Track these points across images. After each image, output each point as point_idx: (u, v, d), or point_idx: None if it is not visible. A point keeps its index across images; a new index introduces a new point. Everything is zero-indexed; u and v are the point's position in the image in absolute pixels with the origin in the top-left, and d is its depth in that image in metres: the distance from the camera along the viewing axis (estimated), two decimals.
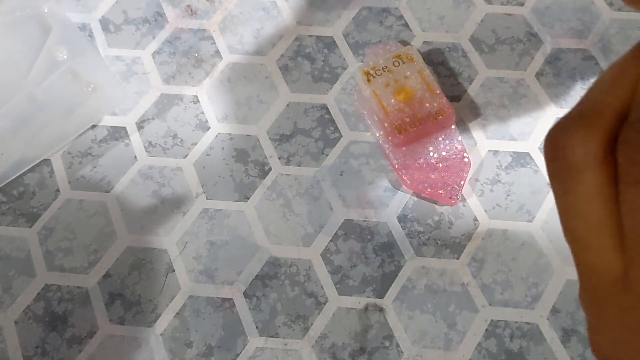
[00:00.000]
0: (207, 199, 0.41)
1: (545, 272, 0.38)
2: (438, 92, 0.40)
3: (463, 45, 0.45)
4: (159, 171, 0.42)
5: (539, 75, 0.44)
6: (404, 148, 0.40)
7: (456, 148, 0.40)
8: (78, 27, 0.47)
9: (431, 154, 0.40)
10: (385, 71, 0.41)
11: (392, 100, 0.40)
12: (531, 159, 0.41)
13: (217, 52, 0.46)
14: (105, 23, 0.47)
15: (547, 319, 0.37)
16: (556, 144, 0.14)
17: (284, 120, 0.43)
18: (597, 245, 0.14)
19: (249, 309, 0.38)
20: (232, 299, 0.38)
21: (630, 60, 0.14)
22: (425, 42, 0.46)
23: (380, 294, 0.38)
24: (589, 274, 0.15)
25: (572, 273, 0.38)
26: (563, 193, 0.14)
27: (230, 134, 0.43)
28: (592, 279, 0.15)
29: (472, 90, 0.44)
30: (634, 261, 0.13)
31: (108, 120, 0.44)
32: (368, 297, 0.38)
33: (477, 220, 0.40)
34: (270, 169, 0.42)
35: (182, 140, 0.43)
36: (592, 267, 0.14)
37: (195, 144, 0.43)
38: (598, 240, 0.14)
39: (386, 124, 0.40)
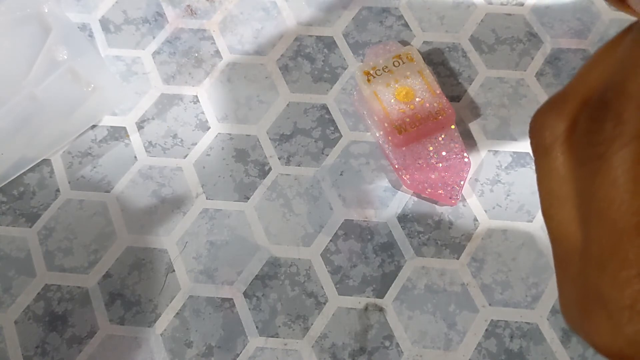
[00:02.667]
0: (207, 199, 0.41)
1: (545, 272, 0.38)
2: (438, 92, 0.40)
3: (463, 45, 0.45)
4: (159, 171, 0.42)
5: (539, 75, 0.44)
6: (404, 148, 0.40)
7: (456, 148, 0.40)
8: (78, 27, 0.47)
9: (431, 154, 0.40)
10: (385, 71, 0.41)
11: (392, 100, 0.40)
12: (531, 159, 0.41)
13: (217, 52, 0.46)
14: (105, 23, 0.47)
15: (547, 319, 0.37)
16: (532, 125, 0.17)
17: (284, 120, 0.43)
18: (559, 216, 0.16)
19: (249, 309, 0.38)
20: (232, 299, 0.38)
21: (601, 53, 0.16)
22: (425, 42, 0.46)
23: (380, 294, 0.38)
24: (554, 243, 0.17)
25: None
26: (536, 168, 0.17)
27: (230, 134, 0.43)
28: (556, 247, 0.16)
29: (472, 90, 0.44)
30: (586, 233, 0.15)
31: (108, 120, 0.44)
32: (368, 297, 0.38)
33: (477, 220, 0.40)
34: (270, 169, 0.42)
35: (182, 140, 0.43)
36: (555, 236, 0.16)
37: (195, 144, 0.43)
38: (559, 212, 0.16)
39: (386, 124, 0.40)
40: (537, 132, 0.16)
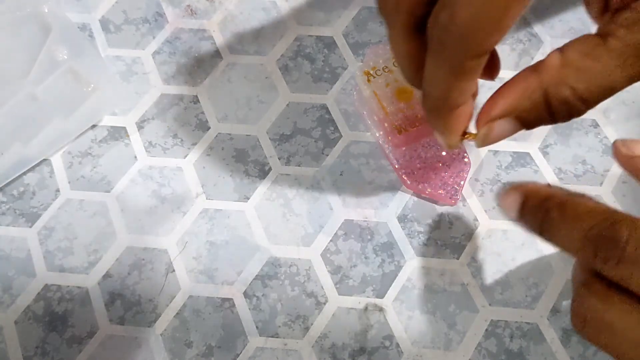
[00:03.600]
0: (207, 199, 0.41)
1: (545, 272, 0.38)
2: None
3: None
4: (159, 171, 0.42)
5: None
6: (404, 148, 0.40)
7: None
8: (78, 27, 0.47)
9: (431, 153, 0.40)
10: (385, 71, 0.41)
11: (392, 100, 0.40)
12: (531, 159, 0.41)
13: (217, 52, 0.46)
14: (105, 23, 0.47)
15: (547, 319, 0.37)
16: None
17: (284, 120, 0.43)
18: None
19: (249, 309, 0.38)
20: (232, 299, 0.38)
21: None
22: None
23: (380, 294, 0.38)
24: None
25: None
26: None
27: (230, 134, 0.43)
28: None
29: None
30: None
31: (108, 120, 0.44)
32: (368, 297, 0.38)
33: (477, 220, 0.40)
34: (270, 169, 0.42)
35: (182, 140, 0.43)
36: None
37: (195, 144, 0.43)
38: None
39: (386, 124, 0.40)
40: None
